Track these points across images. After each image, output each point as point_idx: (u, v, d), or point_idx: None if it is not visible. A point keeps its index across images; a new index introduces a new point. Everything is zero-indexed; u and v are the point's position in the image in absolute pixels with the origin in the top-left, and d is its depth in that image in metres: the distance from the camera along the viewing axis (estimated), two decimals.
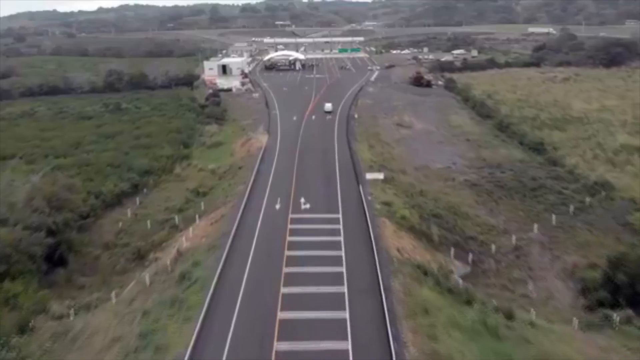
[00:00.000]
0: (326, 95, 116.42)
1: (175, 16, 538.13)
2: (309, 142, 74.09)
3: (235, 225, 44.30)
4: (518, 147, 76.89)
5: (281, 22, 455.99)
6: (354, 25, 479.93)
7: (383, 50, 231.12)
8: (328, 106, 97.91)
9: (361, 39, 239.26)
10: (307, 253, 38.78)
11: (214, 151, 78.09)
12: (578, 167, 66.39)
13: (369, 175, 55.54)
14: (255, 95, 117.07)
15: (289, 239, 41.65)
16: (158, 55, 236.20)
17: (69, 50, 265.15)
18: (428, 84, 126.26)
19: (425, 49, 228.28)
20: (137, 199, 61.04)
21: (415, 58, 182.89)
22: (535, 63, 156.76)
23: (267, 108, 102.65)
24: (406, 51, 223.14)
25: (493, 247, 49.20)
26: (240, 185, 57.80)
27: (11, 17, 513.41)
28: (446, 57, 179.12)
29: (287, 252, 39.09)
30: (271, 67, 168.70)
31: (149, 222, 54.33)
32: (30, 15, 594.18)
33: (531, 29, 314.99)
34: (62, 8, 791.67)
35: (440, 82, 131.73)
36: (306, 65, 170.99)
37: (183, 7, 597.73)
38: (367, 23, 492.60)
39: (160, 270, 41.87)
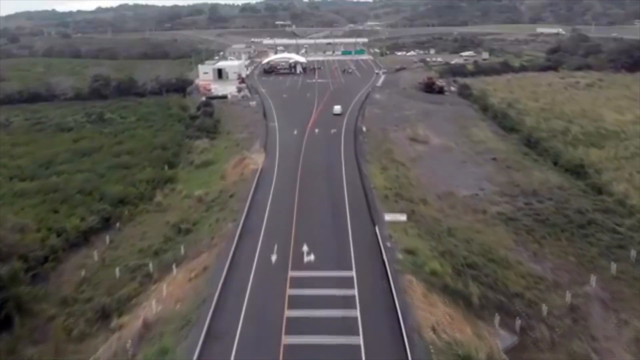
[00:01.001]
0: (330, 103, 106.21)
1: (173, 16, 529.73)
2: (312, 163, 64.15)
3: (218, 289, 34.30)
4: (553, 168, 66.70)
5: (281, 22, 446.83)
6: (355, 25, 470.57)
7: (387, 52, 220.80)
8: (337, 108, 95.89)
9: (364, 39, 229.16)
10: (311, 340, 28.81)
11: (203, 172, 68.00)
12: (629, 196, 56.21)
13: (389, 217, 45.42)
14: (253, 103, 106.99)
15: (287, 313, 31.65)
16: (153, 57, 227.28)
17: (61, 51, 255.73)
18: (440, 91, 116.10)
19: (432, 51, 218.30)
20: (107, 237, 50.99)
21: (423, 61, 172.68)
22: (552, 67, 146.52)
23: (264, 119, 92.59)
24: (412, 53, 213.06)
25: (544, 307, 39.04)
26: (230, 221, 47.78)
27: (9, 17, 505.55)
28: (456, 60, 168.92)
29: (284, 339, 29.06)
30: (270, 70, 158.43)
31: (117, 269, 44.27)
32: (28, 15, 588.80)
33: (539, 30, 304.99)
34: (61, 8, 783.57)
35: (452, 88, 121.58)
36: (307, 69, 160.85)
37: (182, 6, 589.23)
38: (369, 23, 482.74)
39: (120, 351, 32.07)
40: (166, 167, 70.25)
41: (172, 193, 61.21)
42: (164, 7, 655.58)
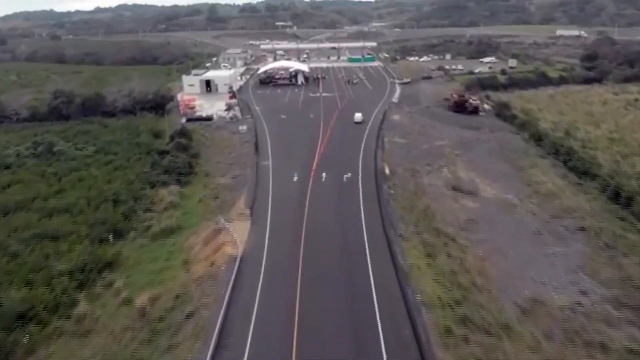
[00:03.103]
0: (338, 126, 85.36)
1: (172, 16, 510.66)
2: (319, 243, 43.14)
3: None
4: None
5: (282, 23, 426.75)
6: (359, 25, 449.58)
7: (398, 57, 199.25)
8: (358, 116, 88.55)
9: (373, 44, 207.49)
10: None
11: (160, 250, 46.64)
12: None
13: None
14: (243, 128, 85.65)
15: None
16: (141, 62, 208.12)
17: (46, 55, 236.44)
18: (475, 111, 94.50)
19: (448, 56, 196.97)
20: None
21: (441, 69, 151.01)
22: (596, 78, 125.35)
23: (256, 154, 71.50)
24: (425, 58, 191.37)
25: None
26: None
27: (7, 18, 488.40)
28: (480, 69, 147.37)
29: None
30: (268, 81, 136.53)
31: None
32: (26, 16, 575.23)
33: (559, 32, 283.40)
34: (60, 8, 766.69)
35: (486, 106, 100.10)
36: (310, 79, 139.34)
37: (182, 6, 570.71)
38: (374, 24, 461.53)
39: None
40: (111, 238, 49.13)
41: (107, 294, 39.91)
42: (163, 7, 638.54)
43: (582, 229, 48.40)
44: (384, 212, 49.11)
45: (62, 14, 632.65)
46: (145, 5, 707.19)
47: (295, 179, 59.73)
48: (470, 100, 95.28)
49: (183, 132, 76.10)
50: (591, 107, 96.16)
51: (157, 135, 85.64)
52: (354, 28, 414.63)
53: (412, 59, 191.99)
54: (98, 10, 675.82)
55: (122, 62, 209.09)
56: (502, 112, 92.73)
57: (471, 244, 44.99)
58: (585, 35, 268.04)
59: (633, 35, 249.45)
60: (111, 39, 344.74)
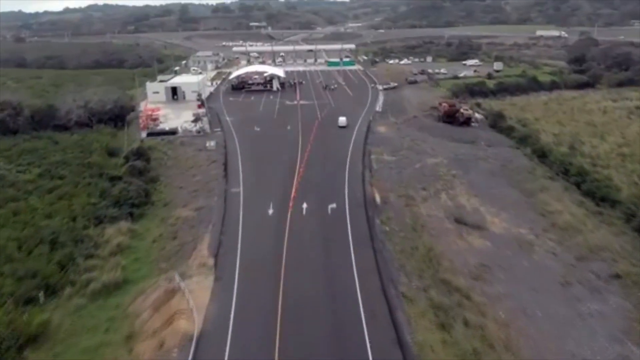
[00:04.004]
0: (319, 141, 76.38)
1: (142, 17, 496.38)
2: (302, 310, 33.83)
3: None
4: None
5: (256, 24, 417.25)
6: (336, 26, 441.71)
7: (377, 59, 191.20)
8: (342, 120, 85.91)
9: (352, 46, 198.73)
10: None
11: (100, 315, 36.67)
12: None
13: None
14: (211, 144, 75.77)
15: None
16: (107, 66, 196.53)
17: (6, 59, 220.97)
18: (467, 122, 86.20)
19: (429, 58, 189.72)
20: None
21: (424, 72, 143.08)
22: (589, 83, 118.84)
23: (225, 177, 61.91)
24: (405, 61, 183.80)
25: None
26: None
27: None
28: (465, 72, 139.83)
29: None
30: (240, 87, 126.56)
31: None
32: None
33: (539, 32, 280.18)
34: (29, 9, 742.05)
35: (478, 115, 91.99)
36: (286, 84, 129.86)
37: (154, 7, 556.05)
38: (350, 25, 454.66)
39: None
40: (41, 297, 39.13)
41: None
42: (134, 7, 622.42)
43: (617, 276, 40.14)
44: (379, 260, 40.12)
45: (30, 15, 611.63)
46: (116, 6, 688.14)
47: (271, 211, 50.34)
48: (462, 110, 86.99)
49: (140, 152, 65.81)
50: (591, 116, 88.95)
51: (113, 153, 75.05)
52: (330, 29, 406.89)
53: (392, 61, 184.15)
54: (67, 10, 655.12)
55: (86, 66, 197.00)
56: (497, 123, 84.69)
57: (489, 302, 36.25)
58: (566, 35, 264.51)
59: (613, 35, 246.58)
60: (78, 40, 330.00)
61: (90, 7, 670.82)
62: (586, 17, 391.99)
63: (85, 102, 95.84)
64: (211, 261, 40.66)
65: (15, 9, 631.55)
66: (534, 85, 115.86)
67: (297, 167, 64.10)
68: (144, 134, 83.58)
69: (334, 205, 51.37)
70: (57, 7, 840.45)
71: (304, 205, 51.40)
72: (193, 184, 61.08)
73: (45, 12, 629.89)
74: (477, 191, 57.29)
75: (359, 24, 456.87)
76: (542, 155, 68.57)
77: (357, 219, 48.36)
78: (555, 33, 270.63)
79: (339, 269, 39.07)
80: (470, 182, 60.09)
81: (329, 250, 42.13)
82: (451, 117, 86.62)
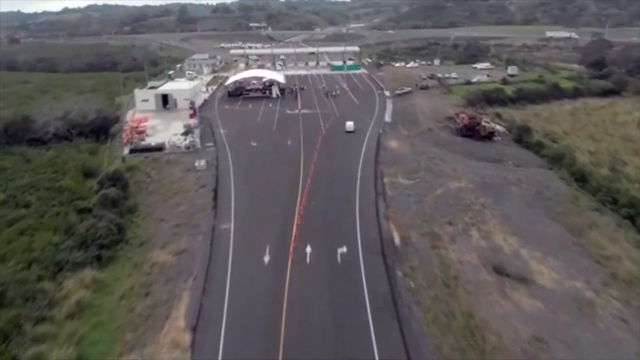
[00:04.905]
0: (324, 159, 67.15)
1: (140, 17, 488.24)
2: None
3: None
4: None
5: (256, 24, 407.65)
6: (337, 27, 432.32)
7: (382, 62, 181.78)
8: (349, 125, 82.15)
9: (355, 48, 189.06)
10: None
11: None
12: None
13: None
14: (201, 163, 66.45)
15: None
16: (100, 69, 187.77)
17: None
18: (489, 136, 76.90)
19: (437, 61, 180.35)
20: None
21: (434, 77, 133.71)
22: (614, 90, 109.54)
23: (213, 207, 52.68)
24: (412, 64, 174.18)
25: None
26: None
27: None
28: (478, 77, 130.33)
29: None
30: (237, 93, 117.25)
31: None
32: None
33: (549, 33, 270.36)
34: (28, 9, 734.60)
35: (499, 127, 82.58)
36: (286, 90, 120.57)
37: (153, 7, 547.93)
38: (352, 25, 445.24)
39: None
40: None
41: None
42: (134, 7, 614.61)
43: None
44: (408, 339, 30.85)
45: (29, 15, 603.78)
46: (116, 6, 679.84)
47: (267, 259, 41.02)
48: (484, 123, 77.62)
49: (116, 176, 56.39)
50: (626, 130, 79.74)
51: (90, 173, 65.68)
52: (331, 29, 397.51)
53: (397, 64, 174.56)
54: (66, 11, 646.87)
55: (79, 68, 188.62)
56: (523, 137, 75.35)
57: None
58: (577, 37, 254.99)
59: (625, 36, 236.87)
60: (73, 42, 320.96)
61: (90, 8, 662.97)
62: (594, 17, 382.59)
63: (65, 113, 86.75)
64: (187, 338, 31.39)
65: (14, 9, 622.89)
66: (555, 93, 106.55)
67: (299, 193, 54.86)
68: (126, 151, 74.28)
69: (344, 250, 42.11)
70: (56, 7, 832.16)
71: (308, 249, 42.16)
72: (176, 215, 51.75)
73: (44, 13, 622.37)
74: (514, 227, 47.99)
75: (361, 25, 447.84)
76: (580, 178, 59.20)
77: (373, 270, 39.10)
78: (566, 34, 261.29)
79: (355, 355, 29.73)
80: (504, 215, 50.77)
81: (340, 323, 32.80)
82: (471, 131, 77.33)
